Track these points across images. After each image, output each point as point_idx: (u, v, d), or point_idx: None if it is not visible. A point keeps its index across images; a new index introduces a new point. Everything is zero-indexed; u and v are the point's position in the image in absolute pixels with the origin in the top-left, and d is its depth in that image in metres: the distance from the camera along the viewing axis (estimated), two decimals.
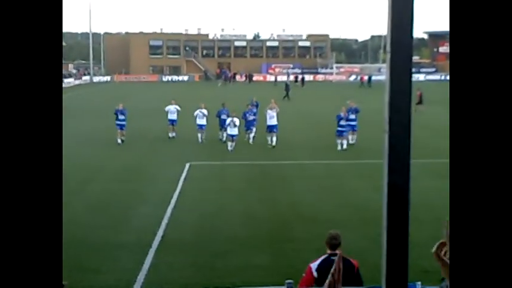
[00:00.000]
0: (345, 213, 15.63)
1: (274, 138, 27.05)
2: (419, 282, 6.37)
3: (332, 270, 3.57)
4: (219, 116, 28.26)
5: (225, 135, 27.93)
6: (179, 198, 17.93)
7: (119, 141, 27.62)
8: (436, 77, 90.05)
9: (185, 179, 20.85)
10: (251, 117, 27.60)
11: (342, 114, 26.66)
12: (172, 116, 29.58)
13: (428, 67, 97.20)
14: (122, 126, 27.96)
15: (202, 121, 28.49)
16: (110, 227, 14.61)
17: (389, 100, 1.63)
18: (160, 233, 14.33)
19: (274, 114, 27.22)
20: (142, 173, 21.66)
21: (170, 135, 29.33)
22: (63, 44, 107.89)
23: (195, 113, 28.73)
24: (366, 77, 79.93)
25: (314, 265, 8.22)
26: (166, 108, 30.01)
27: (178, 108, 29.91)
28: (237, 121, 26.02)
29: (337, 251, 8.23)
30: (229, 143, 25.79)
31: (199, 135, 28.45)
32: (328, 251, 8.33)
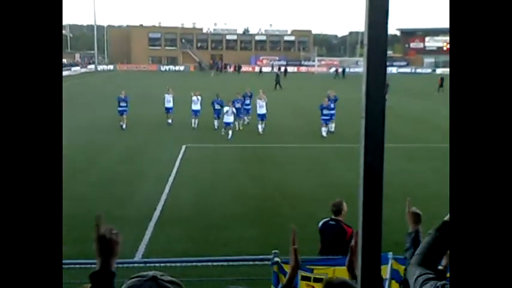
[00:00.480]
0: (326, 191, 15.64)
1: (263, 125, 27.06)
2: (390, 253, 6.40)
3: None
4: (213, 105, 28.07)
5: (216, 123, 27.81)
6: (176, 177, 17.98)
7: (123, 125, 27.41)
8: (407, 70, 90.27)
9: (181, 159, 20.87)
10: (238, 105, 27.47)
11: (324, 104, 26.63)
12: (169, 104, 29.39)
13: (400, 61, 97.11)
14: (122, 112, 27.78)
15: (196, 107, 28.37)
16: (113, 202, 14.60)
17: (365, 90, 1.66)
18: (159, 208, 14.38)
19: (264, 103, 27.21)
20: (142, 154, 21.60)
21: (168, 121, 29.13)
22: (70, 35, 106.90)
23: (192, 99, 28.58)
24: (340, 70, 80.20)
25: (319, 225, 9.18)
26: (164, 96, 29.81)
27: (171, 96, 29.72)
28: (232, 110, 25.86)
29: (339, 218, 8.74)
30: (229, 131, 25.51)
31: (193, 120, 28.29)
32: (332, 216, 8.95)
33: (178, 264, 7.37)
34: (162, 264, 8.06)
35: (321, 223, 9.15)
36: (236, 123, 27.64)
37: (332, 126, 26.31)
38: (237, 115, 27.56)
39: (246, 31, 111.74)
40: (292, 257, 3.72)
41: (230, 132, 25.51)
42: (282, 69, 78.94)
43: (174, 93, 30.01)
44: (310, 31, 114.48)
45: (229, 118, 25.63)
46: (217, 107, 27.83)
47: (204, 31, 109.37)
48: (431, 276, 2.69)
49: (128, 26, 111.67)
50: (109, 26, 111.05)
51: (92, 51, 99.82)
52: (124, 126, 27.46)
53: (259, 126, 27.08)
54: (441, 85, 54.46)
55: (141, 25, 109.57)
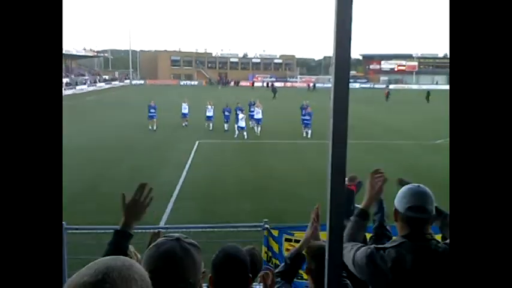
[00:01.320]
0: (305, 175, 15.76)
1: (260, 128, 26.85)
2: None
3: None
4: (223, 112, 27.81)
5: (226, 126, 27.58)
6: (191, 164, 17.93)
7: (150, 127, 27.02)
8: (367, 85, 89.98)
9: (195, 151, 20.82)
10: (239, 112, 27.05)
11: (305, 104, 27.35)
12: (185, 111, 29.05)
13: (362, 79, 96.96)
14: (152, 117, 27.45)
15: (210, 113, 28.11)
16: (143, 181, 14.53)
17: (333, 99, 1.67)
18: (178, 187, 14.35)
19: (260, 110, 27.05)
20: (166, 147, 21.56)
21: (184, 124, 28.80)
22: (111, 57, 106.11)
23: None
24: (311, 85, 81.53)
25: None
26: (181, 104, 29.53)
27: (187, 104, 29.38)
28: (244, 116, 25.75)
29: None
30: (244, 133, 25.15)
31: (207, 123, 28.11)
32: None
33: (191, 230, 7.38)
34: (179, 230, 8.04)
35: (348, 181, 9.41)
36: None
37: (309, 132, 25.86)
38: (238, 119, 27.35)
39: (245, 55, 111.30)
40: (311, 230, 3.26)
41: (245, 133, 25.21)
42: (269, 84, 79.10)
43: (189, 102, 29.68)
44: (294, 56, 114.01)
45: (242, 123, 25.28)
46: (226, 113, 27.66)
47: (213, 55, 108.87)
48: (360, 245, 2.65)
49: (155, 50, 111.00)
50: (141, 51, 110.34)
51: (127, 70, 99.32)
52: (152, 128, 27.08)
53: (256, 128, 26.88)
54: (387, 96, 55.07)
55: (165, 50, 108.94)
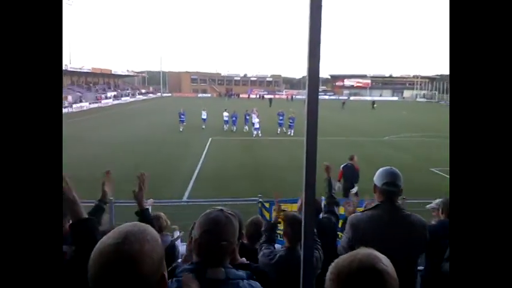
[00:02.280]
0: (288, 162, 15.68)
1: (257, 132, 26.44)
2: (323, 197, 6.38)
3: None
4: (232, 117, 27.46)
5: (233, 128, 27.20)
6: (206, 155, 17.75)
7: (181, 129, 26.48)
8: (334, 97, 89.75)
9: (209, 145, 20.60)
10: (247, 117, 27.17)
11: (280, 112, 27.15)
12: (203, 117, 28.59)
13: (330, 92, 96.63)
14: (182, 121, 27.04)
15: (226, 118, 27.68)
16: (170, 168, 14.48)
17: (307, 106, 1.62)
18: (196, 172, 14.23)
19: (256, 115, 26.70)
20: (186, 143, 21.37)
21: (203, 127, 28.27)
22: (147, 76, 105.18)
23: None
24: (290, 97, 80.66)
25: (341, 166, 9.87)
26: (201, 112, 29.04)
27: (206, 112, 28.94)
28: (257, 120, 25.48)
29: (352, 162, 9.94)
30: (259, 132, 25.14)
31: (224, 126, 27.71)
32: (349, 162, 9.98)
33: (206, 203, 7.34)
34: (197, 203, 8.01)
35: (342, 166, 9.87)
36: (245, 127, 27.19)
37: (292, 131, 25.57)
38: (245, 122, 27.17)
39: (245, 75, 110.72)
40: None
41: (259, 132, 24.97)
42: (260, 95, 79.34)
43: (207, 110, 29.23)
44: (280, 75, 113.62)
45: (257, 125, 25.16)
46: (233, 118, 27.35)
47: (222, 74, 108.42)
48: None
49: (179, 71, 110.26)
50: (169, 71, 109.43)
51: (159, 85, 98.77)
52: (181, 129, 26.61)
53: (254, 131, 26.10)
54: (344, 104, 55.53)
55: (187, 71, 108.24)
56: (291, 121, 25.86)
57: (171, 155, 17.62)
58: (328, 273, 1.17)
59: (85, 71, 58.25)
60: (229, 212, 1.67)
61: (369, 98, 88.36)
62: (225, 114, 27.93)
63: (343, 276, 1.12)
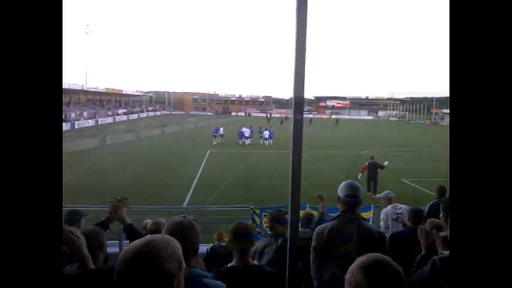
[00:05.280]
0: (279, 173, 15.63)
1: (248, 141, 26.46)
2: (307, 204, 6.33)
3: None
4: (240, 132, 26.95)
5: (240, 141, 26.61)
6: (204, 165, 17.60)
7: (215, 143, 25.85)
8: (318, 116, 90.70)
9: (208, 157, 20.41)
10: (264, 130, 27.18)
11: (262, 130, 27.25)
12: (220, 132, 27.28)
13: (314, 112, 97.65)
14: (215, 136, 26.49)
15: (247, 134, 26.72)
16: (179, 175, 14.36)
17: (293, 123, 1.63)
18: (195, 180, 14.10)
19: (248, 130, 26.72)
20: (185, 156, 21.13)
21: (217, 141, 26.89)
22: (154, 96, 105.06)
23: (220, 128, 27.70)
24: (284, 116, 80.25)
25: (366, 163, 12.70)
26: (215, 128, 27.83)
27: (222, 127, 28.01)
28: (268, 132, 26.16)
29: (375, 160, 12.75)
30: (270, 141, 25.67)
31: (239, 140, 26.80)
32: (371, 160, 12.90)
33: (203, 208, 7.29)
34: (197, 208, 7.91)
35: (367, 163, 12.68)
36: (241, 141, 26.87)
37: (271, 142, 26.00)
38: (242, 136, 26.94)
39: (240, 96, 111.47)
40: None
41: (269, 142, 25.48)
42: (268, 114, 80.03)
43: (224, 127, 28.44)
44: (271, 96, 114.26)
45: (266, 135, 25.62)
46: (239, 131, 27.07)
47: (220, 95, 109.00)
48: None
49: (182, 92, 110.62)
50: (173, 92, 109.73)
51: (164, 104, 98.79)
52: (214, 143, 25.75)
53: (245, 141, 26.23)
54: (310, 121, 55.57)
55: (188, 91, 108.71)
56: (270, 135, 26.32)
57: (176, 163, 17.43)
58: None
59: (99, 90, 58.66)
60: (191, 218, 1.73)
61: (347, 117, 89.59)
62: (244, 129, 26.97)
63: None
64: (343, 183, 2.62)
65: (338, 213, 2.51)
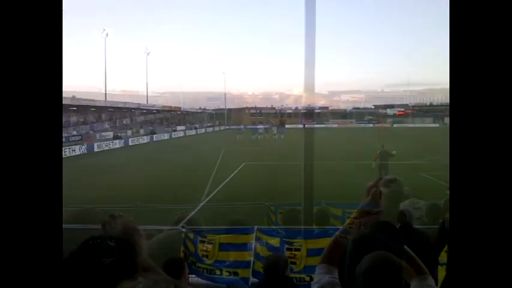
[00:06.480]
0: (295, 174, 13.68)
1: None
2: (323, 201, 5.50)
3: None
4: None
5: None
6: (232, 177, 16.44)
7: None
8: (378, 126, 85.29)
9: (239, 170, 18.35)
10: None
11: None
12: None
13: (374, 121, 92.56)
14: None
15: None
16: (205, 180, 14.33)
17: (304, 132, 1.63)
18: (224, 183, 13.89)
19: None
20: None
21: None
22: (214, 112, 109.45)
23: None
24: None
25: (378, 151, 14.18)
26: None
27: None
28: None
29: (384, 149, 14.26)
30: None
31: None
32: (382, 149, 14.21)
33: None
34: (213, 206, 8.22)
35: (378, 151, 13.91)
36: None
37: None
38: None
39: (296, 107, 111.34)
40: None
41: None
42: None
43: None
44: (328, 107, 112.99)
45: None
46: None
47: (276, 109, 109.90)
48: None
49: (240, 108, 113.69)
50: (232, 108, 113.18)
51: (223, 119, 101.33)
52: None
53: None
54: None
55: (246, 107, 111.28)
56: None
57: (209, 167, 16.86)
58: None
59: (157, 108, 63.65)
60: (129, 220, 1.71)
61: (411, 125, 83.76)
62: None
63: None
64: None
65: None
